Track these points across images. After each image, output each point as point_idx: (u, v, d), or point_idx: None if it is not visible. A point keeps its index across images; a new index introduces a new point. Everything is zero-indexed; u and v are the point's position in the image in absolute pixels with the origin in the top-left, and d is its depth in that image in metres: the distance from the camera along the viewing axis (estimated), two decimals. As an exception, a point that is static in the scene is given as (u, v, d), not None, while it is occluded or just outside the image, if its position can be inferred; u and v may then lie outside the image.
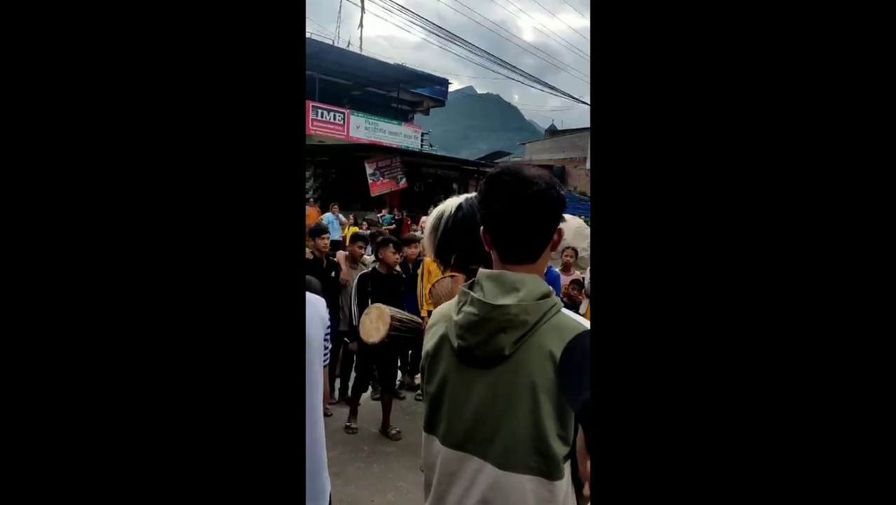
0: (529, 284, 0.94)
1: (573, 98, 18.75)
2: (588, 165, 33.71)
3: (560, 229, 1.03)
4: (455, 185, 18.07)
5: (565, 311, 1.00)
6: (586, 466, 0.61)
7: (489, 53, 15.79)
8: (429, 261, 3.83)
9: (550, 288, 0.98)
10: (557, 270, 4.48)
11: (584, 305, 4.56)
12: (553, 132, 41.61)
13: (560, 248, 4.94)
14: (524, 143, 43.59)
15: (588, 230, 6.51)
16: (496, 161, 24.23)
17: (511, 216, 0.96)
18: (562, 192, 1.02)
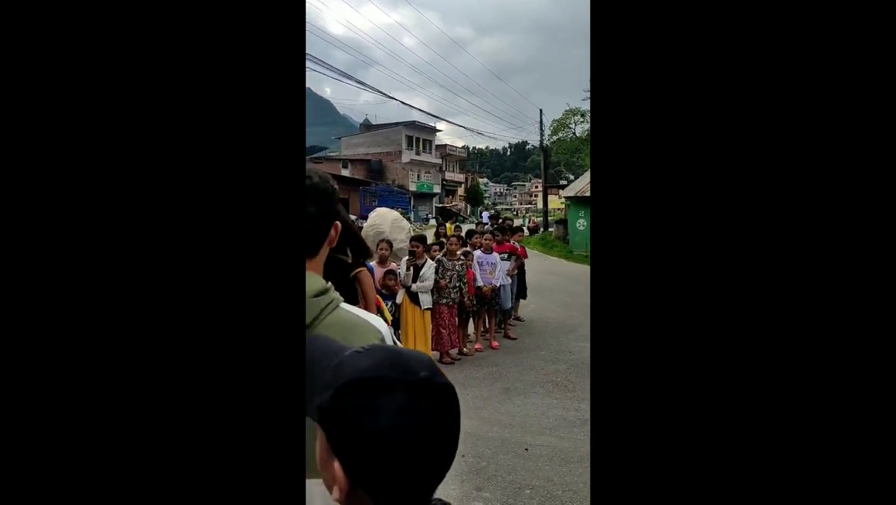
0: (305, 281, 0.93)
1: (384, 94, 19.11)
2: (404, 159, 34.90)
3: (336, 224, 1.03)
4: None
5: (345, 305, 1.00)
6: (331, 473, 0.55)
7: (293, 44, 15.12)
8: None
9: (328, 284, 0.98)
10: (373, 263, 4.54)
11: (401, 295, 4.73)
12: (368, 126, 41.94)
13: (375, 240, 5.01)
14: (339, 138, 43.12)
15: (405, 222, 6.65)
16: (311, 156, 23.50)
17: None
18: (335, 187, 1.02)
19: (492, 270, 5.40)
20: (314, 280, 0.98)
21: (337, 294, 1.01)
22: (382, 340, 0.96)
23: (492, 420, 3.65)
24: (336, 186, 1.05)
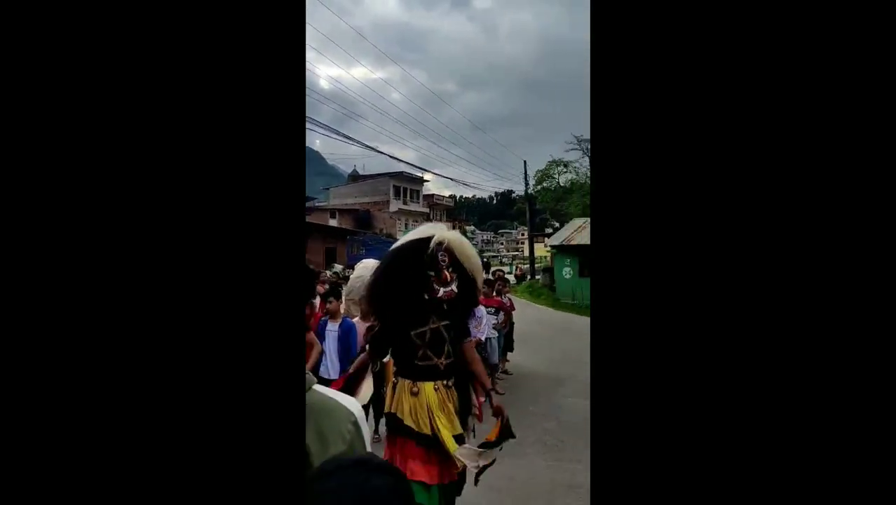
0: None
1: (371, 148, 19.47)
2: (391, 209, 35.24)
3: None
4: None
5: (318, 387, 0.95)
6: None
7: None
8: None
9: None
10: (355, 318, 4.44)
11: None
12: (356, 177, 42.54)
13: (358, 296, 4.93)
14: (328, 189, 43.63)
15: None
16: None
17: None
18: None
19: (477, 323, 5.31)
20: None
21: (310, 375, 0.96)
22: (356, 423, 0.91)
23: (483, 485, 3.47)
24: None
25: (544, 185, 27.13)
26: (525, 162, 25.54)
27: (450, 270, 2.15)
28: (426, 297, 2.14)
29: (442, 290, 2.14)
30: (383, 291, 2.21)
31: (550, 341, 8.91)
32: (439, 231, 2.23)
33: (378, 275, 2.25)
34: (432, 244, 2.17)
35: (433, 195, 41.74)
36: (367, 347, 2.30)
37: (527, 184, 25.43)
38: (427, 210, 38.98)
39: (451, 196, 46.94)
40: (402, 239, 2.28)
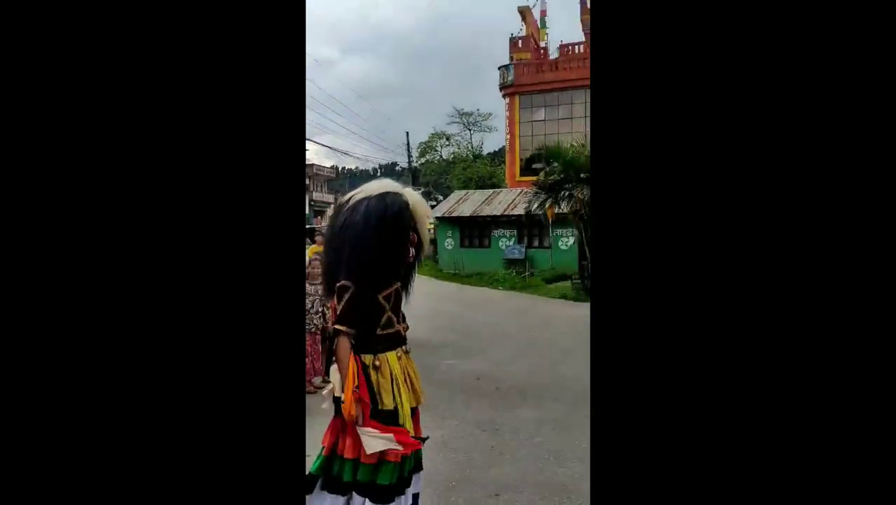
0: None
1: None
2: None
3: None
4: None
5: None
6: None
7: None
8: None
9: None
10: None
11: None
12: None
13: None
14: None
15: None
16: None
17: None
18: None
19: (355, 291, 5.25)
20: None
21: None
22: None
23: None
24: None
25: (427, 157, 27.35)
26: (407, 133, 25.53)
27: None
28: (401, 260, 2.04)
29: (412, 251, 2.07)
30: (377, 255, 1.93)
31: (430, 309, 9.13)
32: (405, 191, 2.09)
33: (371, 239, 1.93)
34: (410, 206, 2.02)
35: (313, 165, 40.04)
36: (342, 323, 1.91)
37: (409, 155, 25.44)
38: (306, 181, 37.35)
39: (332, 167, 45.39)
40: (364, 193, 2.02)
